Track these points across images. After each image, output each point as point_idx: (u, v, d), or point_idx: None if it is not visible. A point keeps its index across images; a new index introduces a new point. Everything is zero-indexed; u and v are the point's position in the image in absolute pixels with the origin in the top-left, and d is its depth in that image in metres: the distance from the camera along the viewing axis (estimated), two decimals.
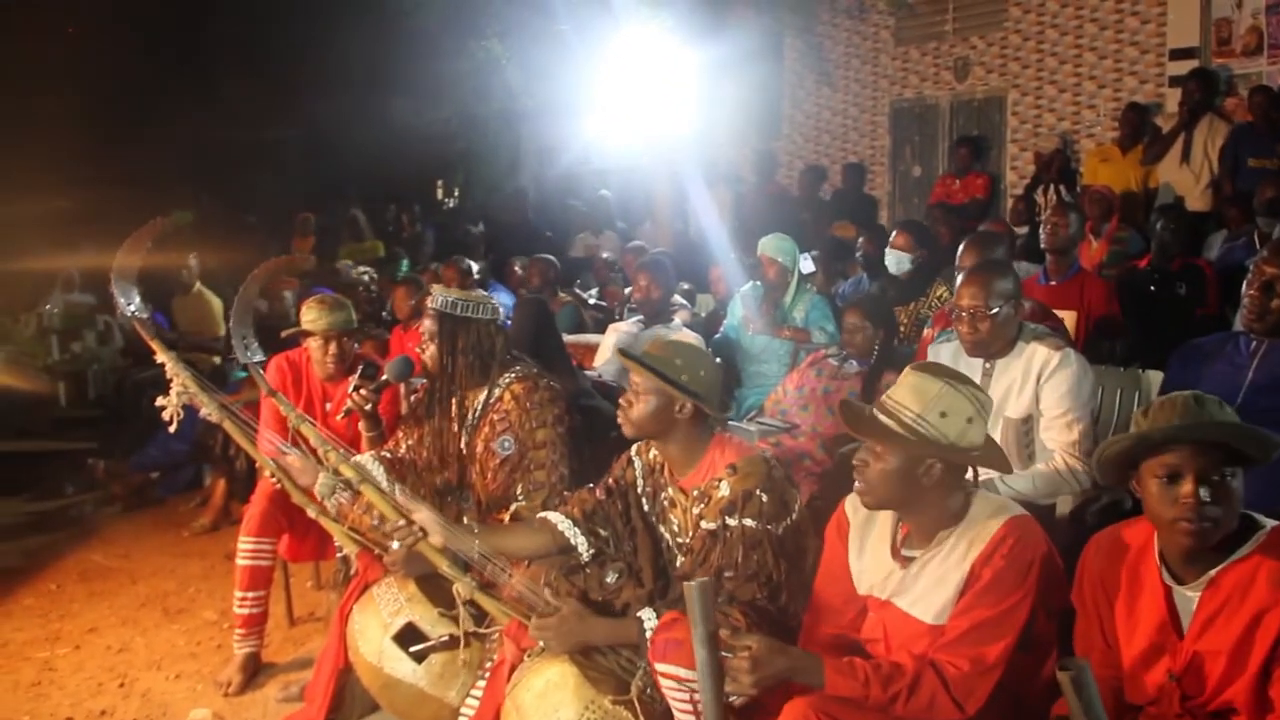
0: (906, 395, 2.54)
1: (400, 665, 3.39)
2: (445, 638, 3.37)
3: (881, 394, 2.65)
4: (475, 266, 7.90)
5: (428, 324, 3.74)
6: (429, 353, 3.72)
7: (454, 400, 3.73)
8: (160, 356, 3.82)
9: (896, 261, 5.48)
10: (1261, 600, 2.12)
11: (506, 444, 3.58)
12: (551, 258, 7.67)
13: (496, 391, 3.66)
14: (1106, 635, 2.39)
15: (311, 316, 4.54)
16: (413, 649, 3.38)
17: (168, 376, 3.81)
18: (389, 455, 3.79)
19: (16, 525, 6.51)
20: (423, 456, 3.81)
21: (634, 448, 3.29)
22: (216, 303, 8.21)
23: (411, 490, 3.60)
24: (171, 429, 3.90)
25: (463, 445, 3.73)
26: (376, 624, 3.46)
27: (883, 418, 2.54)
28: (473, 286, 7.32)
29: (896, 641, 2.58)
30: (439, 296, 3.71)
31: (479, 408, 3.68)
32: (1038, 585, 2.43)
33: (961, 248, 4.94)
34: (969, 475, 2.60)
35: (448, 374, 3.69)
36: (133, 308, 3.94)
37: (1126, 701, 2.33)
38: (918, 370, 2.61)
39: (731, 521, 2.89)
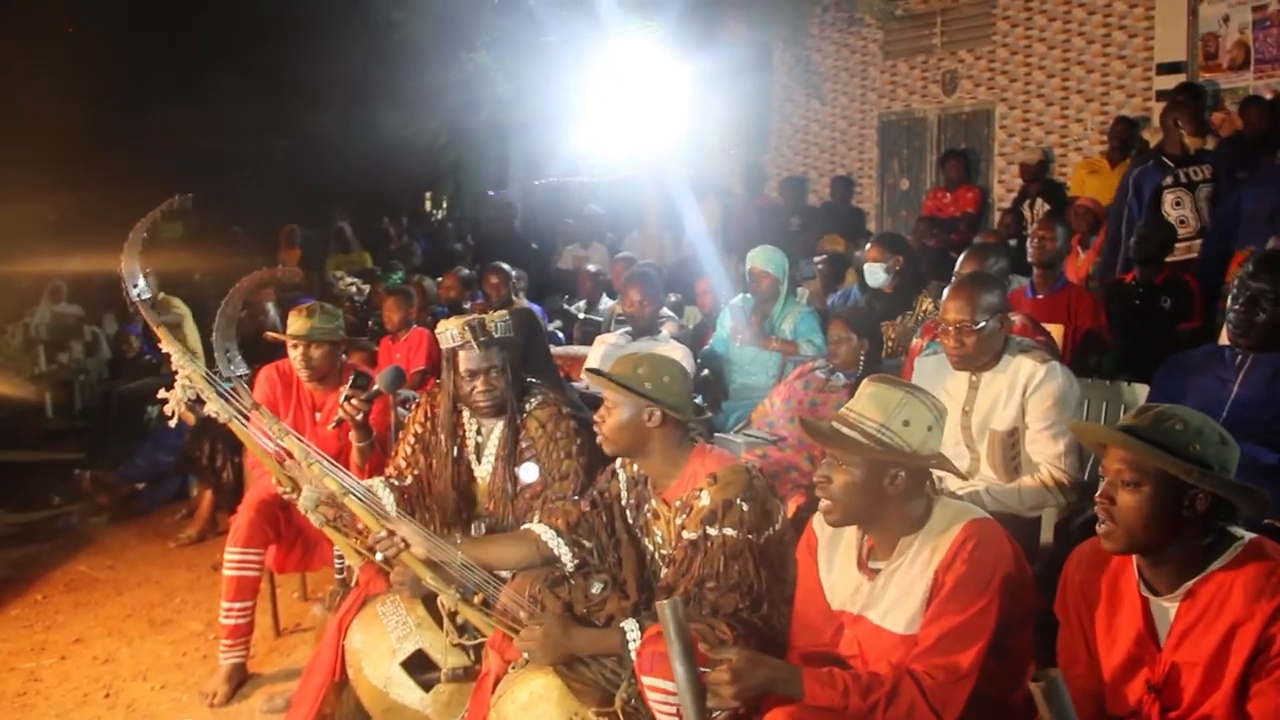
0: (868, 406, 2.56)
1: (407, 693, 3.35)
2: (459, 671, 3.32)
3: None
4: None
5: (444, 358, 3.64)
6: (442, 386, 3.65)
7: (468, 432, 3.68)
8: (165, 346, 3.65)
9: (872, 274, 5.50)
10: (1237, 613, 2.13)
11: (531, 471, 3.53)
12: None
13: (518, 419, 3.59)
14: (1089, 647, 2.39)
15: (290, 322, 4.56)
16: (422, 677, 3.34)
17: (173, 368, 3.61)
18: (397, 484, 3.68)
19: (2, 536, 6.49)
20: (432, 486, 3.73)
21: (618, 460, 3.29)
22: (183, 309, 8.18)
23: (420, 519, 3.56)
24: (171, 423, 3.80)
25: (481, 476, 3.68)
26: (384, 648, 3.40)
27: (846, 430, 2.55)
28: (474, 295, 7.37)
29: (872, 656, 2.58)
30: (447, 333, 3.56)
31: (499, 438, 3.62)
32: (1003, 588, 2.43)
33: (961, 258, 4.95)
34: (929, 482, 2.62)
35: (457, 410, 3.66)
36: (137, 290, 3.85)
37: (1108, 713, 2.34)
38: (876, 381, 2.63)
39: (713, 531, 2.90)
